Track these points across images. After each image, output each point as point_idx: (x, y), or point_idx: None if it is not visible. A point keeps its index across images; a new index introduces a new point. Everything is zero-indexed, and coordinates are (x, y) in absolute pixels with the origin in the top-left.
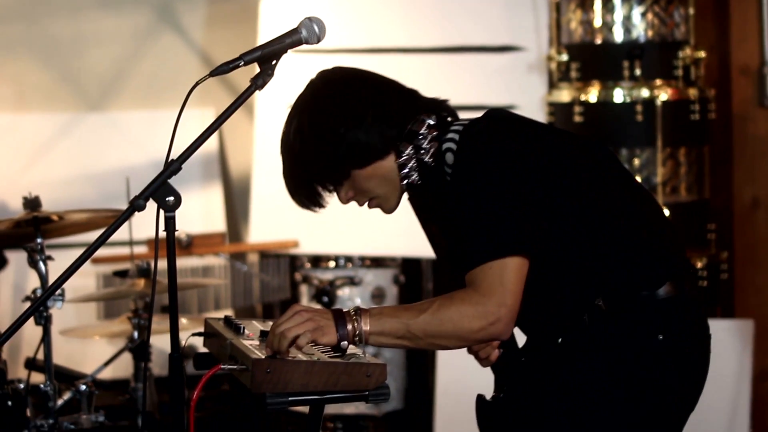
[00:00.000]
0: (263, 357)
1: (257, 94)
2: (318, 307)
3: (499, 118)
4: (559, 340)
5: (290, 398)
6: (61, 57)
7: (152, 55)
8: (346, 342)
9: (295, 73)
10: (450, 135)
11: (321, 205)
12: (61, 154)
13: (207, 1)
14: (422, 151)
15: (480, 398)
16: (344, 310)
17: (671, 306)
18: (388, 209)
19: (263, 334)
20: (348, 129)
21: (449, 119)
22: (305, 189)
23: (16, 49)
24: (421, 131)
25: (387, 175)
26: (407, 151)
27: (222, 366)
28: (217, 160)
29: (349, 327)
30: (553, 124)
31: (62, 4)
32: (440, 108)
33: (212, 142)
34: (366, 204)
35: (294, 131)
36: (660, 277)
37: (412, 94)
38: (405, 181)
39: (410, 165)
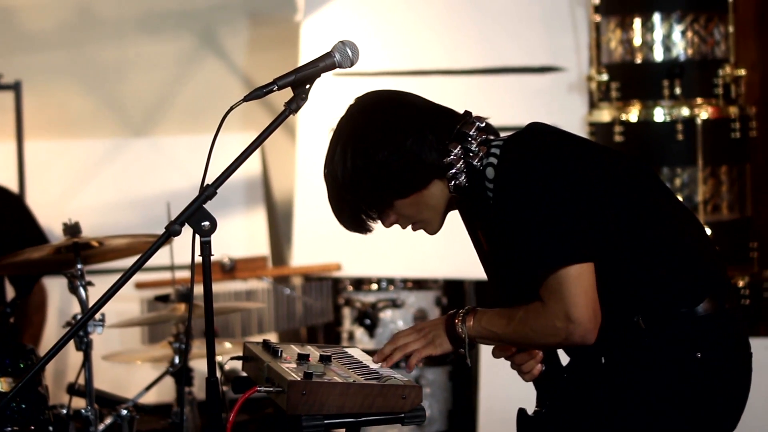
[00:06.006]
0: (299, 379)
1: (300, 118)
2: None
3: (540, 132)
4: (602, 359)
5: (326, 421)
6: (105, 83)
7: (195, 79)
8: (462, 350)
9: (337, 97)
10: (491, 150)
11: (367, 230)
12: (105, 179)
13: (249, 25)
14: (471, 154)
15: (521, 412)
16: (455, 312)
17: (710, 324)
18: (432, 232)
19: (300, 357)
20: (388, 162)
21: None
22: (349, 215)
23: (60, 76)
24: (471, 132)
25: (429, 202)
26: (455, 152)
27: (258, 388)
28: (260, 183)
29: (458, 330)
30: None
31: (106, 30)
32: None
33: (255, 166)
34: (409, 227)
35: (336, 160)
36: (699, 294)
37: (451, 113)
38: (452, 182)
39: (458, 166)
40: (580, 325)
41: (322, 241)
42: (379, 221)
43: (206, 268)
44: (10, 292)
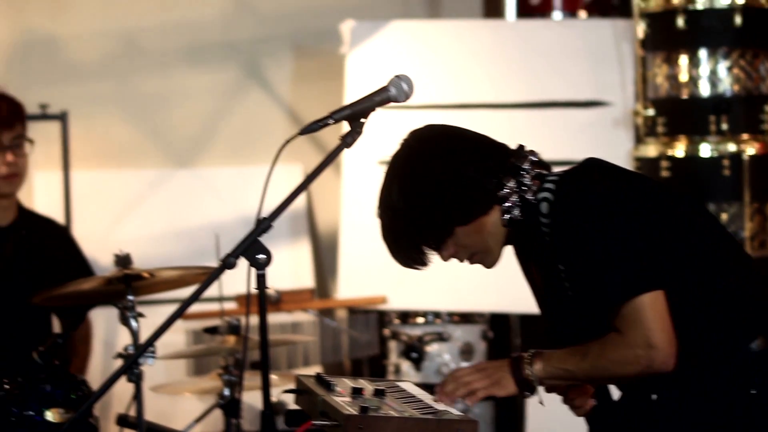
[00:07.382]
0: (356, 413)
1: (344, 150)
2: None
3: (597, 167)
4: (654, 396)
5: None
6: (151, 114)
7: (240, 111)
8: (528, 393)
9: (382, 129)
10: (546, 185)
11: (424, 264)
12: (150, 210)
13: (293, 57)
14: (524, 188)
15: None
16: (520, 355)
17: (764, 360)
18: (490, 263)
19: (355, 392)
20: (450, 187)
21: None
22: (408, 249)
23: (107, 106)
24: (524, 166)
25: (491, 229)
26: (509, 185)
27: (313, 422)
28: (305, 216)
29: (526, 373)
30: None
31: (152, 62)
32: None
33: (300, 199)
34: (467, 260)
35: (395, 192)
36: (752, 331)
37: (504, 147)
38: (506, 216)
39: (512, 200)
40: (661, 351)
41: (368, 274)
42: (436, 254)
43: (262, 301)
44: (55, 326)
